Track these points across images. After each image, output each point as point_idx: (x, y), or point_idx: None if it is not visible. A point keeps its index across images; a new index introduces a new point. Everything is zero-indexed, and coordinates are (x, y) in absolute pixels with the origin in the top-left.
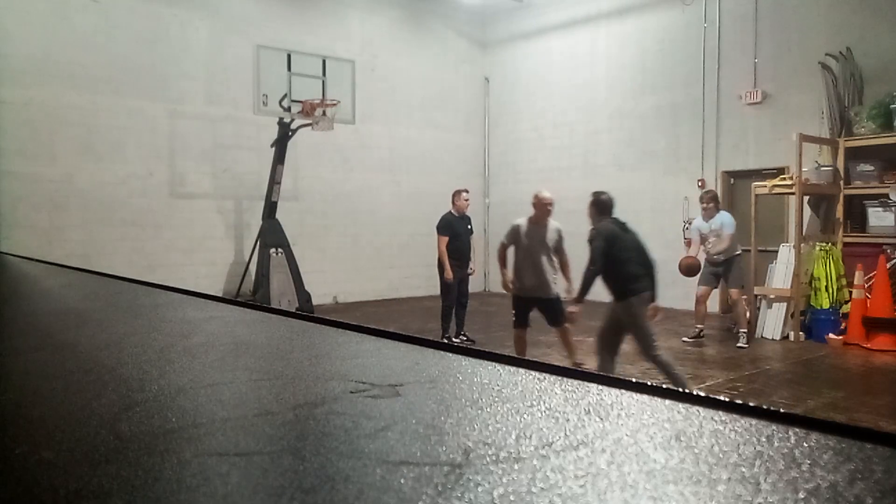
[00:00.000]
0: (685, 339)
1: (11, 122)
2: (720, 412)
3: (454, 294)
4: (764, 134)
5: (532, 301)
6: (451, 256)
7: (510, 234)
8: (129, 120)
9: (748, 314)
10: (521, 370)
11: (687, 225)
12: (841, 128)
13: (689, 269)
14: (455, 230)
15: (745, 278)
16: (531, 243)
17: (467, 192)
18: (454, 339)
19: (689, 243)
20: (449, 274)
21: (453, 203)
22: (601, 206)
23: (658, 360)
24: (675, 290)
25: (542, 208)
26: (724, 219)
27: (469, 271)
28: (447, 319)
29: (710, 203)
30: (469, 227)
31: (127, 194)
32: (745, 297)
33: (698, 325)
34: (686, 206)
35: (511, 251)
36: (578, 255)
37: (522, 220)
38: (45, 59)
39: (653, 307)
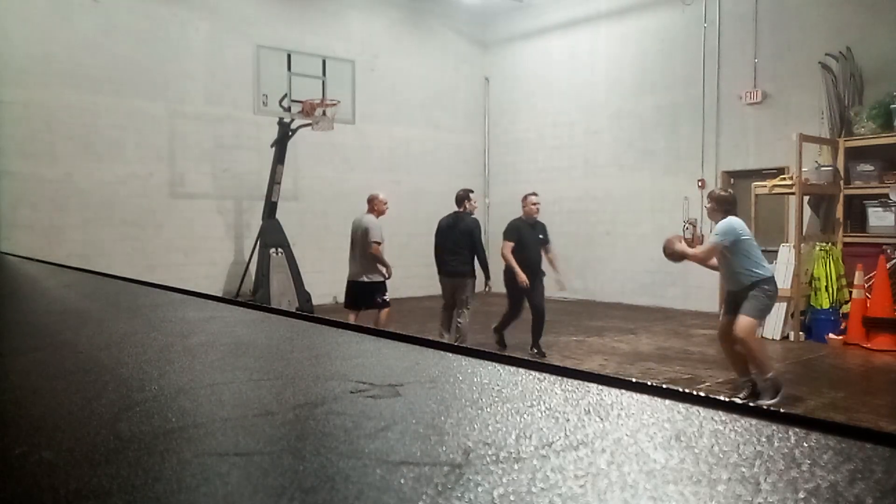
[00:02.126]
0: (739, 398)
1: (11, 122)
2: (720, 412)
3: (521, 306)
4: (764, 134)
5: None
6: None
7: (380, 232)
8: (129, 120)
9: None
10: (521, 370)
11: (687, 225)
12: (841, 128)
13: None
14: (522, 237)
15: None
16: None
17: (535, 195)
18: (531, 351)
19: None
20: (522, 278)
21: (522, 207)
22: (455, 199)
23: (458, 324)
24: (674, 290)
25: (383, 209)
26: (719, 225)
27: (558, 283)
28: (502, 328)
29: (710, 203)
30: (541, 235)
31: (127, 194)
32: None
33: (742, 378)
34: (686, 206)
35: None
36: (582, 254)
37: (376, 218)
38: (45, 59)
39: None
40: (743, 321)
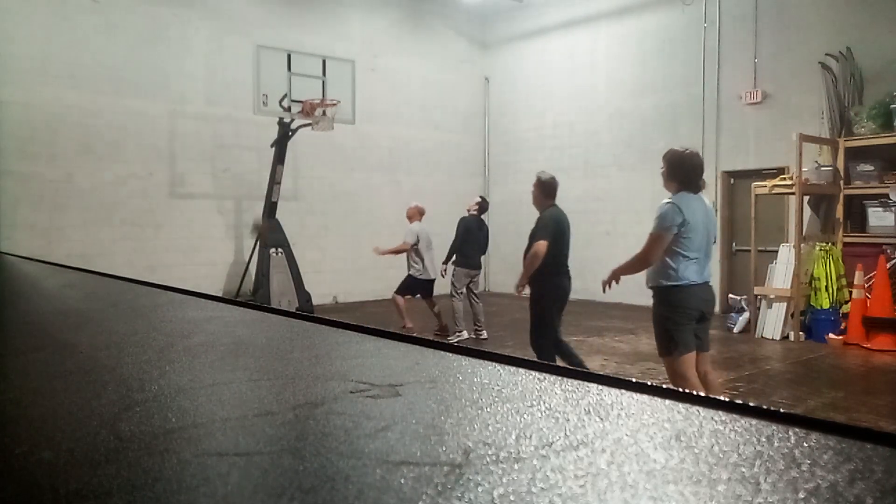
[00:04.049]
0: None
1: (11, 122)
2: (720, 412)
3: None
4: (764, 134)
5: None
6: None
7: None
8: (129, 120)
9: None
10: (521, 370)
11: None
12: (841, 128)
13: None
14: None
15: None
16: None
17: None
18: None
19: None
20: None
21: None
22: (478, 206)
23: (453, 302)
24: None
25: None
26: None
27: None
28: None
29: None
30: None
31: (127, 194)
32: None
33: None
34: None
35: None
36: (581, 254)
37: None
38: (45, 60)
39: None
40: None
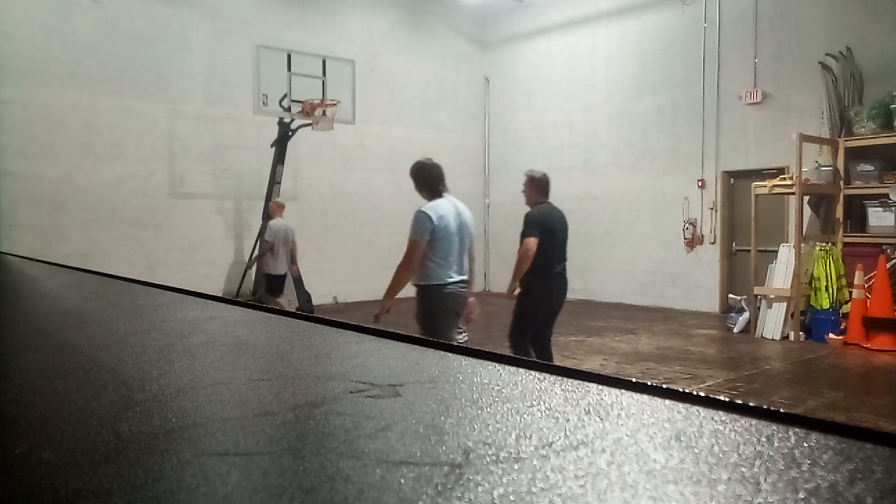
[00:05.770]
0: None
1: (11, 122)
2: (720, 412)
3: None
4: (764, 134)
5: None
6: None
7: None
8: (129, 120)
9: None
10: (521, 370)
11: (687, 225)
12: (841, 128)
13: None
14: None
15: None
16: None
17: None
18: None
19: None
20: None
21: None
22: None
23: None
24: (674, 290)
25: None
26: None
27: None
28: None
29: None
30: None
31: (127, 194)
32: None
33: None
34: (686, 206)
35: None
36: (582, 254)
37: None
38: (45, 59)
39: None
40: None
